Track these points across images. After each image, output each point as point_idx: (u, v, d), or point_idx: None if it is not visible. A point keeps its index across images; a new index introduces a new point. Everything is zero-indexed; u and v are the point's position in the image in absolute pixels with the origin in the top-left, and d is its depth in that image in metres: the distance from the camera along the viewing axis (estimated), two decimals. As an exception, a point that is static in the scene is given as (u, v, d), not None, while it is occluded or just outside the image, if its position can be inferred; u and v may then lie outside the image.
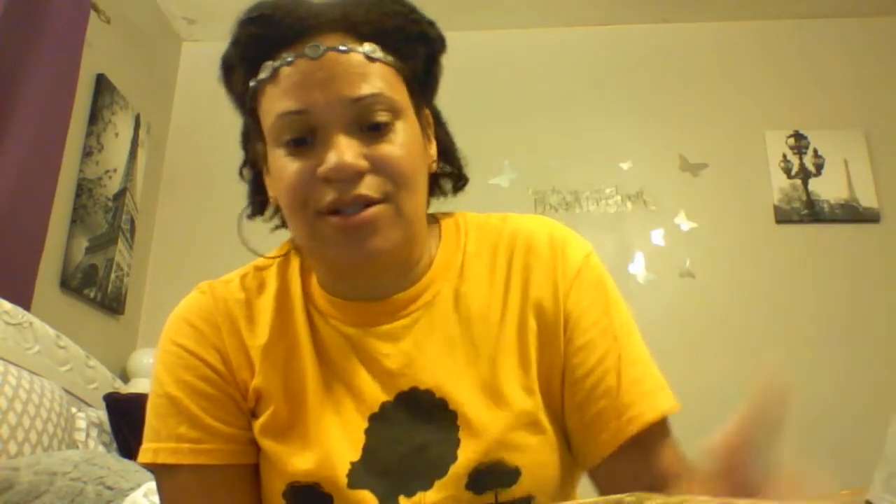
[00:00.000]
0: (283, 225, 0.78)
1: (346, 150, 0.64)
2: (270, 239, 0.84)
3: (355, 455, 0.68)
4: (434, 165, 0.75)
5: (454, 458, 0.66)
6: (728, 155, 2.77)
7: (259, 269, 0.79)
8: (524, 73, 2.93)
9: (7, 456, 1.32)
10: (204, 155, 2.94)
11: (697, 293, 2.61)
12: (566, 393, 0.71)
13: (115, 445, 1.71)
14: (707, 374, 2.48)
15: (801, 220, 2.65)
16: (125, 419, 1.71)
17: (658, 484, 0.67)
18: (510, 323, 0.72)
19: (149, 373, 2.46)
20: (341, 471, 0.66)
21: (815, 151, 2.71)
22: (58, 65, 2.09)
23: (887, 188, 2.65)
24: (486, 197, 2.76)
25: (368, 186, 0.65)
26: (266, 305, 0.74)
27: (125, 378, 2.43)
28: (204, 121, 2.99)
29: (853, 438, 1.97)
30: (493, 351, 0.71)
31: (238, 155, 0.88)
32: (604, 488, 0.70)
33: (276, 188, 0.69)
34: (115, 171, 2.54)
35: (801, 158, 2.71)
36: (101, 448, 1.67)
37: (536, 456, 0.68)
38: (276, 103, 0.66)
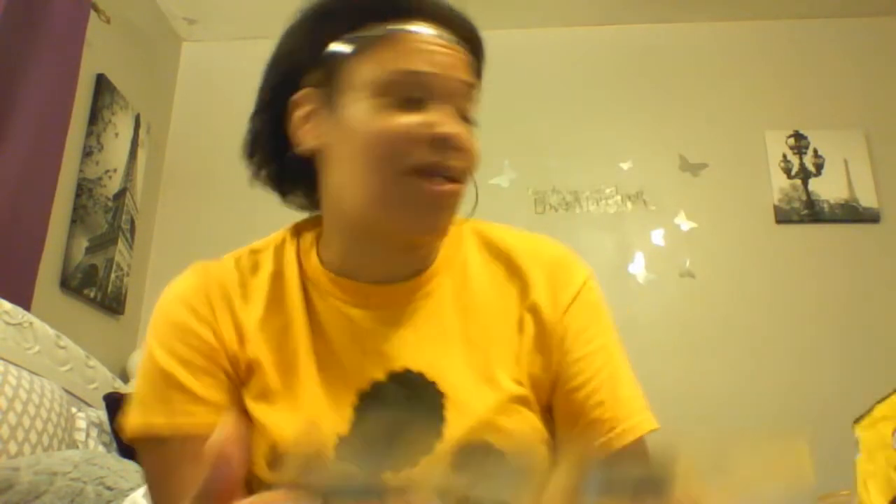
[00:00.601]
0: (287, 177, 0.80)
1: (458, 123, 0.69)
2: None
3: (343, 429, 0.68)
4: None
5: (440, 435, 0.67)
6: (728, 155, 2.77)
7: (254, 251, 0.80)
8: (524, 73, 2.93)
9: (7, 456, 1.32)
10: (204, 155, 2.95)
11: (697, 293, 2.61)
12: (559, 402, 0.73)
13: (114, 445, 1.71)
14: (707, 374, 2.48)
15: (801, 220, 2.65)
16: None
17: None
18: (507, 321, 0.74)
19: (149, 373, 2.46)
20: (331, 437, 0.67)
21: (815, 151, 2.71)
22: (58, 65, 2.09)
23: (887, 188, 2.65)
24: (486, 197, 2.74)
25: (466, 162, 0.70)
26: (261, 284, 0.75)
27: (125, 378, 2.43)
28: (204, 121, 3.00)
29: (854, 438, 1.97)
30: (487, 344, 0.73)
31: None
32: None
33: (352, 137, 0.69)
34: (115, 171, 2.54)
35: (801, 158, 2.71)
36: (100, 448, 1.67)
37: (520, 434, 0.69)
38: (399, 61, 0.68)
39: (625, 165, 2.78)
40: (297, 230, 0.80)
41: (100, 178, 2.46)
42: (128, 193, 2.62)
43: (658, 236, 2.71)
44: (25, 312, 1.73)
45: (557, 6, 2.89)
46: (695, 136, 2.80)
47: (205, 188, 2.89)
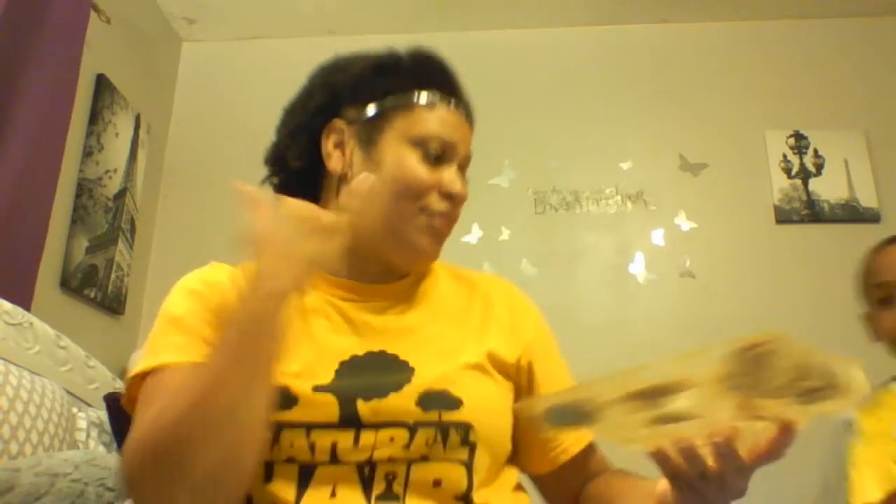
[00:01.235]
0: (289, 181, 0.96)
1: (462, 183, 0.91)
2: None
3: (325, 382, 0.82)
4: None
5: (409, 380, 0.81)
6: (728, 155, 2.77)
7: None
8: (524, 73, 2.93)
9: (8, 456, 1.32)
10: (204, 155, 2.95)
11: (697, 293, 2.61)
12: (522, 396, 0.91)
13: (115, 446, 1.71)
14: (707, 374, 2.48)
15: (801, 220, 2.65)
16: (126, 419, 1.70)
17: (594, 478, 0.94)
18: (467, 320, 0.92)
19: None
20: (310, 384, 0.80)
21: (816, 151, 2.71)
22: (58, 65, 2.09)
23: (887, 188, 2.65)
24: (486, 197, 2.77)
25: (456, 212, 0.92)
26: None
27: (125, 378, 2.43)
28: (204, 121, 3.00)
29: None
30: (450, 334, 0.90)
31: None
32: (554, 489, 0.95)
33: (386, 172, 0.88)
34: (115, 171, 2.54)
35: (801, 158, 2.71)
36: (101, 448, 1.67)
37: (478, 392, 0.84)
38: (435, 126, 0.90)
39: (625, 165, 2.78)
40: None
41: (100, 178, 2.46)
42: (128, 193, 2.62)
43: (658, 236, 2.71)
44: (25, 312, 1.72)
45: (557, 6, 2.89)
46: (695, 136, 2.80)
47: (205, 188, 2.89)
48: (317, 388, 0.80)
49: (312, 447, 0.77)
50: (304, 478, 0.77)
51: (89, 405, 1.83)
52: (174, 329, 0.83)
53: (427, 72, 0.94)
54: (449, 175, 0.89)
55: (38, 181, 1.99)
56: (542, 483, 0.96)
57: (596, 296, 2.66)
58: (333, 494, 0.76)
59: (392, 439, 0.78)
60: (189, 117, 3.01)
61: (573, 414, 0.65)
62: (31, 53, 2.00)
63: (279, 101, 2.88)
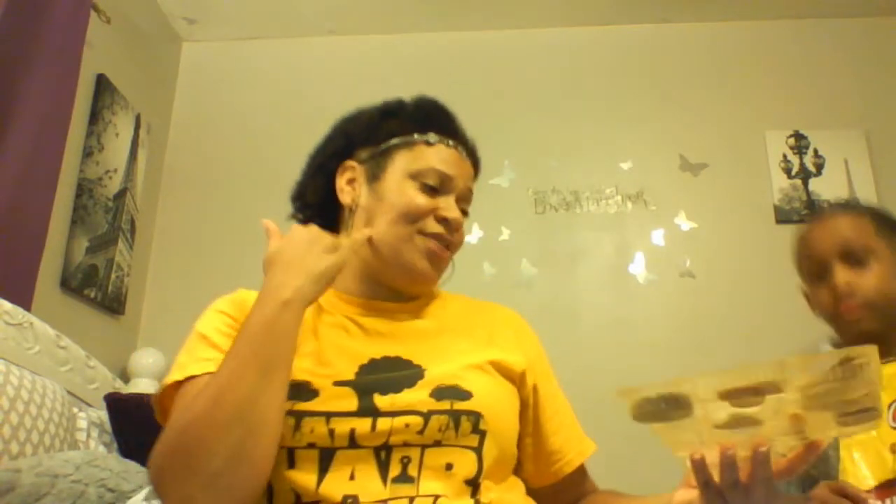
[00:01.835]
0: (311, 215, 1.08)
1: (458, 211, 1.01)
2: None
3: (345, 379, 0.89)
4: None
5: (422, 377, 0.89)
6: (728, 155, 2.77)
7: None
8: (524, 73, 2.93)
9: (9, 456, 1.32)
10: (204, 155, 2.95)
11: (697, 293, 2.61)
12: (527, 420, 0.99)
13: (115, 446, 1.71)
14: (707, 374, 2.48)
15: (801, 220, 2.65)
16: (126, 419, 1.71)
17: (588, 495, 1.04)
18: (476, 336, 1.00)
19: (149, 373, 2.46)
20: (330, 380, 0.88)
21: (816, 151, 2.71)
22: (58, 65, 2.08)
23: (887, 188, 2.64)
24: (486, 197, 2.76)
25: (455, 239, 1.02)
26: None
27: (125, 378, 2.43)
28: (204, 121, 3.00)
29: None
30: (458, 344, 0.97)
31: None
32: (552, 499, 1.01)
33: (386, 202, 0.99)
34: (115, 171, 2.54)
35: (801, 158, 2.71)
36: (101, 448, 1.67)
37: (486, 387, 0.91)
38: (435, 160, 1.01)
39: (625, 165, 2.78)
40: None
41: (100, 179, 2.46)
42: (128, 193, 2.62)
43: (658, 236, 2.71)
44: (26, 313, 1.72)
45: (557, 6, 2.89)
46: (695, 136, 2.80)
47: (205, 188, 2.89)
48: (337, 383, 0.87)
49: (332, 433, 0.83)
50: (325, 462, 0.83)
51: (89, 405, 1.83)
52: (202, 345, 0.91)
53: (427, 115, 1.05)
54: (444, 203, 0.99)
55: (38, 181, 1.99)
56: (541, 497, 0.99)
57: (596, 296, 2.66)
58: (352, 477, 0.82)
59: (407, 425, 0.83)
60: (189, 117, 3.01)
61: (669, 404, 0.69)
62: (31, 53, 2.00)
63: (279, 100, 2.93)
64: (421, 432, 0.83)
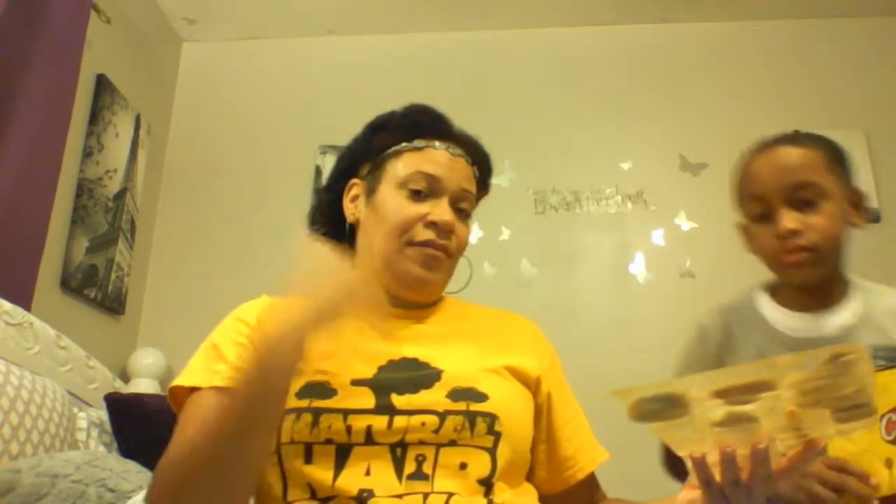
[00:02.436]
0: (328, 236, 1.08)
1: (450, 213, 1.00)
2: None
3: (363, 377, 0.90)
4: None
5: (439, 379, 0.90)
6: (728, 155, 2.74)
7: None
8: (524, 73, 2.93)
9: (9, 456, 1.32)
10: (204, 155, 2.95)
11: (697, 293, 2.61)
12: (541, 426, 0.99)
13: (115, 446, 1.71)
14: (707, 374, 2.48)
15: (801, 220, 2.65)
16: (126, 419, 1.71)
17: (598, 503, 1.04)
18: (493, 341, 1.01)
19: (149, 373, 2.46)
20: (348, 379, 0.89)
21: (816, 151, 2.71)
22: (58, 65, 2.08)
23: (887, 188, 2.64)
24: (486, 197, 2.76)
25: (451, 242, 1.00)
26: None
27: (125, 378, 2.43)
28: (204, 121, 3.00)
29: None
30: (475, 352, 0.97)
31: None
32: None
33: (379, 215, 1.00)
34: (115, 171, 2.54)
35: (801, 158, 2.71)
36: (101, 448, 1.67)
37: (502, 390, 0.92)
38: (420, 164, 1.00)
39: (625, 165, 2.78)
40: None
41: (100, 179, 2.46)
42: (128, 193, 2.62)
43: (658, 236, 2.71)
44: (26, 313, 1.73)
45: (557, 6, 2.89)
46: (695, 136, 2.80)
47: (205, 188, 2.89)
48: (355, 382, 0.89)
49: (349, 429, 0.85)
50: (341, 458, 0.84)
51: (89, 405, 1.83)
52: (212, 354, 0.93)
53: (414, 122, 1.05)
54: (434, 207, 0.99)
55: (38, 181, 1.99)
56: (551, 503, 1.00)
57: (596, 296, 2.66)
58: (368, 473, 0.83)
59: (423, 424, 0.85)
60: (189, 117, 3.01)
61: (664, 404, 0.70)
62: (31, 53, 2.00)
63: (279, 100, 2.93)
64: (436, 431, 0.85)
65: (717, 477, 0.72)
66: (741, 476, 0.71)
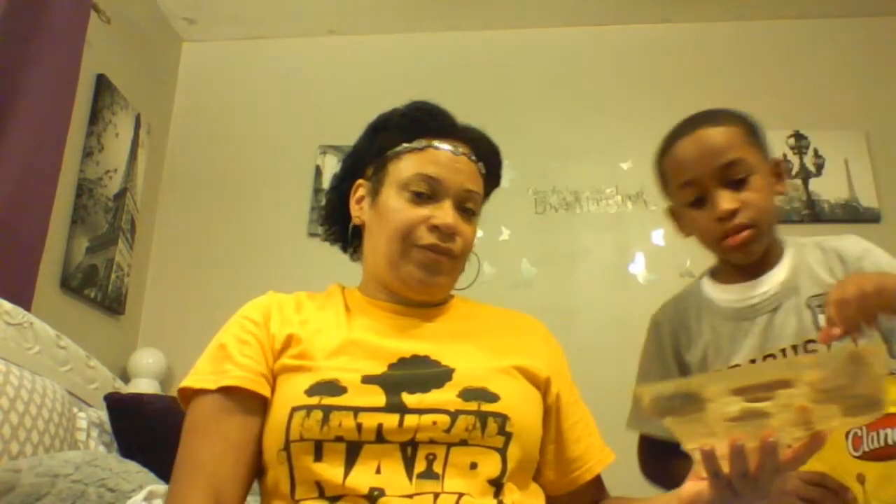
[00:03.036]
0: (337, 236, 1.12)
1: (453, 215, 0.99)
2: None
3: (374, 374, 0.91)
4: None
5: (450, 378, 0.90)
6: None
7: (310, 295, 1.06)
8: (524, 73, 2.93)
9: (9, 456, 1.32)
10: (204, 155, 2.95)
11: (697, 293, 2.61)
12: (549, 427, 0.99)
13: (115, 446, 1.71)
14: (707, 374, 2.48)
15: (801, 221, 2.65)
16: (126, 419, 1.71)
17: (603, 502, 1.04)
18: (503, 341, 1.00)
19: (149, 373, 2.46)
20: (359, 376, 0.89)
21: (816, 151, 2.71)
22: (58, 65, 2.09)
23: (887, 188, 2.64)
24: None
25: (455, 244, 1.00)
26: (311, 304, 1.03)
27: (125, 378, 2.43)
28: (204, 121, 3.00)
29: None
30: (486, 352, 0.97)
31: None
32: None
33: (382, 218, 1.00)
34: (115, 171, 2.54)
35: (801, 158, 2.71)
36: (101, 449, 1.67)
37: (513, 391, 0.92)
38: (421, 166, 1.00)
39: (625, 165, 2.78)
40: (341, 287, 1.10)
41: (100, 179, 2.46)
42: (128, 193, 2.62)
43: (658, 236, 2.71)
44: (26, 313, 1.73)
45: (557, 6, 2.89)
46: (695, 136, 2.79)
47: (205, 188, 2.89)
48: (365, 380, 0.89)
49: (359, 427, 0.84)
50: (351, 455, 0.84)
51: (89, 405, 1.84)
52: (219, 354, 0.94)
53: (414, 121, 1.04)
54: (436, 209, 0.99)
55: (38, 181, 1.99)
56: None
57: (596, 296, 2.66)
58: (378, 471, 0.83)
59: (434, 423, 0.85)
60: (189, 117, 3.01)
61: (683, 400, 0.72)
62: (31, 53, 2.00)
63: (279, 100, 2.93)
64: (448, 431, 0.85)
65: (725, 469, 0.73)
66: (749, 468, 0.72)
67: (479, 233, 3.05)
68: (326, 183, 2.81)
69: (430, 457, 0.84)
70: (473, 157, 1.04)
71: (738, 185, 1.15)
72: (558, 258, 2.71)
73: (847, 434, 1.01)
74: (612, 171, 2.78)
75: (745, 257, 1.17)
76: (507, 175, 3.07)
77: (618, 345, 2.71)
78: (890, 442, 1.01)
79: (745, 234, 1.14)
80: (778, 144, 2.74)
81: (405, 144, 1.02)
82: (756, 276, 1.20)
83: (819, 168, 2.69)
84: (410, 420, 0.84)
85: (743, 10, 2.86)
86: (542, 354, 1.01)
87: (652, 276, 2.66)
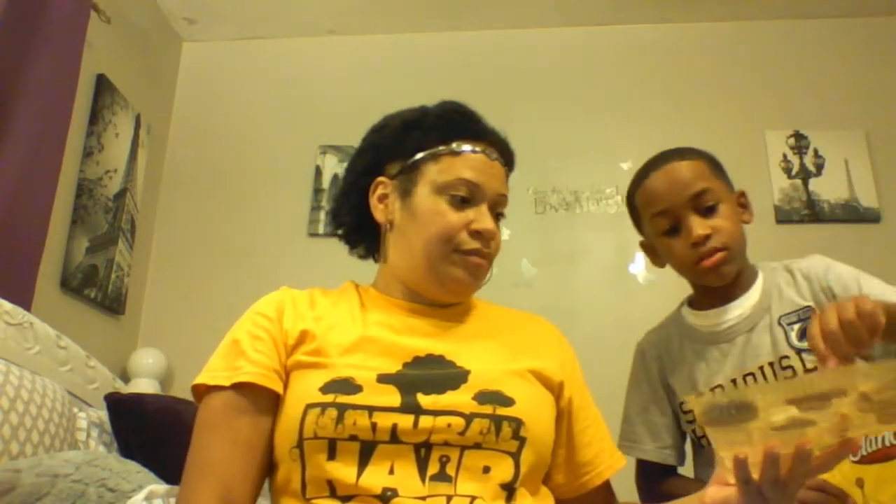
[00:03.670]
0: (351, 233, 1.11)
1: (491, 221, 1.01)
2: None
3: (389, 373, 0.91)
4: None
5: (465, 380, 0.90)
6: (728, 155, 2.73)
7: (324, 291, 1.06)
8: (524, 73, 2.93)
9: (9, 456, 1.32)
10: (204, 155, 2.95)
11: (697, 293, 2.61)
12: (561, 431, 0.99)
13: (115, 446, 1.71)
14: (707, 374, 2.48)
15: (801, 220, 2.65)
16: (126, 419, 1.71)
17: None
18: (518, 343, 1.01)
19: (149, 373, 2.46)
20: (374, 375, 0.88)
21: (816, 151, 2.71)
22: (58, 65, 2.08)
23: (887, 188, 2.64)
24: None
25: (491, 248, 1.01)
26: (325, 300, 1.03)
27: (126, 378, 2.43)
28: (204, 121, 3.00)
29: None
30: (500, 354, 0.97)
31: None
32: None
33: (419, 220, 1.00)
34: (115, 171, 2.54)
35: (801, 158, 2.71)
36: (101, 448, 1.67)
37: (528, 395, 0.92)
38: (459, 170, 1.00)
39: (625, 165, 2.78)
40: (355, 284, 1.09)
41: (100, 179, 2.46)
42: (128, 193, 2.62)
43: (658, 236, 2.71)
44: (26, 313, 1.72)
45: (557, 6, 2.89)
46: (695, 136, 2.77)
47: (205, 188, 2.89)
48: (381, 379, 0.88)
49: (374, 427, 0.84)
50: (365, 455, 0.84)
51: (89, 405, 1.83)
52: (232, 350, 0.94)
53: (450, 122, 1.04)
54: (476, 214, 0.99)
55: (38, 181, 1.99)
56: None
57: (596, 296, 2.66)
58: (391, 472, 0.83)
59: (449, 425, 0.85)
60: (189, 117, 3.01)
61: (736, 410, 0.72)
62: (31, 53, 2.00)
63: (279, 100, 2.92)
64: (462, 433, 0.84)
65: (756, 475, 0.73)
66: (780, 474, 0.72)
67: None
68: (326, 183, 2.81)
69: (444, 459, 0.84)
70: (502, 162, 1.06)
71: (708, 212, 1.23)
72: (558, 258, 2.71)
73: None
74: (612, 171, 2.77)
75: (719, 279, 1.23)
76: (507, 175, 3.02)
77: (618, 345, 2.71)
78: (887, 444, 1.02)
79: (718, 256, 1.20)
80: (778, 144, 2.74)
81: (442, 147, 1.01)
82: (731, 300, 1.27)
83: (819, 168, 2.69)
84: (425, 421, 0.84)
85: (743, 10, 2.86)
86: (555, 358, 1.01)
87: (652, 276, 2.66)
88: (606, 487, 1.03)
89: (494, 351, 0.97)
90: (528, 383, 0.94)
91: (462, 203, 0.99)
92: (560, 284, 2.68)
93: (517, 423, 0.86)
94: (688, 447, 1.34)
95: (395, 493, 0.81)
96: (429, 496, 0.81)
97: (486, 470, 0.84)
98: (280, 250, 2.75)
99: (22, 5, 1.98)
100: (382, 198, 1.04)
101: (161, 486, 1.10)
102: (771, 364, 1.18)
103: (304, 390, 0.88)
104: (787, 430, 0.71)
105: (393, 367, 0.91)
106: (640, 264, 2.68)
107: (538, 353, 1.00)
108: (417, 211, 1.00)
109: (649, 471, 1.30)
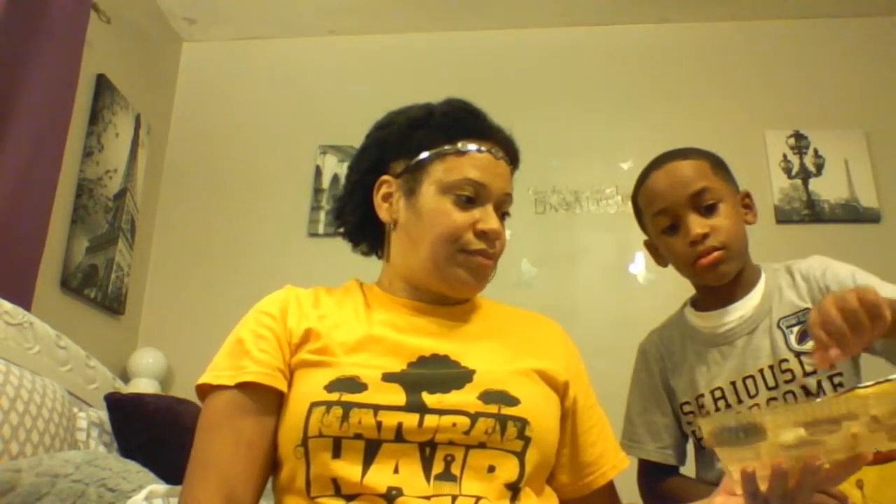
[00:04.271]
0: (355, 232, 1.10)
1: (496, 220, 1.00)
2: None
3: (394, 372, 0.90)
4: None
5: (470, 380, 0.90)
6: (728, 155, 2.73)
7: (328, 290, 1.06)
8: (524, 73, 2.93)
9: (9, 456, 1.32)
10: (204, 155, 2.95)
11: (697, 293, 2.61)
12: (566, 431, 0.99)
13: (115, 446, 1.71)
14: (707, 374, 2.48)
15: (801, 221, 2.65)
16: (126, 419, 1.70)
17: None
18: (523, 342, 1.01)
19: (149, 373, 2.46)
20: (379, 373, 0.88)
21: (816, 151, 2.71)
22: (58, 65, 2.08)
23: (887, 188, 2.64)
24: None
25: (496, 248, 1.01)
26: (329, 299, 1.03)
27: (126, 378, 2.43)
28: (204, 121, 3.00)
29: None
30: (506, 354, 0.97)
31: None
32: None
33: (424, 220, 0.99)
34: (115, 171, 2.54)
35: (801, 158, 2.71)
36: (101, 448, 1.67)
37: (533, 394, 0.91)
38: (465, 170, 0.99)
39: (625, 165, 2.78)
40: (359, 282, 1.09)
41: (100, 179, 2.46)
42: (128, 193, 2.62)
43: (658, 236, 2.71)
44: (26, 313, 1.72)
45: (557, 6, 2.89)
46: (694, 136, 2.76)
47: (205, 188, 2.89)
48: (386, 377, 0.88)
49: (379, 426, 0.84)
50: (370, 454, 0.84)
51: (90, 405, 1.83)
52: (236, 350, 0.94)
53: (456, 121, 1.03)
54: (481, 214, 0.99)
55: (38, 181, 1.99)
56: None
57: (596, 296, 2.66)
58: (396, 471, 0.83)
59: (454, 424, 0.84)
60: (189, 117, 3.01)
61: (745, 433, 0.72)
62: (31, 53, 2.00)
63: (279, 100, 2.92)
64: (467, 433, 0.84)
65: (763, 488, 0.73)
66: (788, 487, 0.72)
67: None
68: (326, 183, 2.81)
69: (449, 458, 0.84)
70: (508, 160, 1.06)
71: (708, 211, 1.23)
72: (558, 258, 2.71)
73: None
74: (612, 171, 2.78)
75: (717, 278, 1.23)
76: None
77: (618, 345, 2.70)
78: None
79: (715, 255, 1.20)
80: (778, 144, 2.75)
81: (447, 146, 1.01)
82: (732, 301, 1.26)
83: (819, 168, 2.69)
84: (430, 420, 0.84)
85: (743, 10, 2.86)
86: (560, 358, 1.01)
87: (652, 275, 2.66)
88: (610, 488, 1.03)
89: (499, 351, 0.97)
90: (533, 383, 0.94)
91: (467, 203, 0.99)
92: (560, 284, 2.68)
93: (522, 423, 0.86)
94: (689, 447, 1.34)
95: (400, 492, 0.81)
96: (434, 495, 0.81)
97: (491, 469, 0.84)
98: (280, 250, 2.75)
99: (22, 5, 1.98)
100: (387, 196, 1.04)
101: (161, 486, 1.10)
102: (770, 367, 1.18)
103: (309, 388, 0.88)
104: (799, 448, 0.71)
105: (398, 366, 0.91)
106: (640, 264, 2.68)
107: (543, 353, 0.99)
108: (422, 210, 0.99)
109: (651, 470, 1.30)
